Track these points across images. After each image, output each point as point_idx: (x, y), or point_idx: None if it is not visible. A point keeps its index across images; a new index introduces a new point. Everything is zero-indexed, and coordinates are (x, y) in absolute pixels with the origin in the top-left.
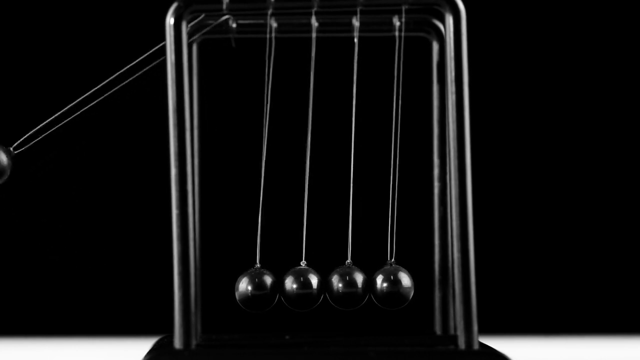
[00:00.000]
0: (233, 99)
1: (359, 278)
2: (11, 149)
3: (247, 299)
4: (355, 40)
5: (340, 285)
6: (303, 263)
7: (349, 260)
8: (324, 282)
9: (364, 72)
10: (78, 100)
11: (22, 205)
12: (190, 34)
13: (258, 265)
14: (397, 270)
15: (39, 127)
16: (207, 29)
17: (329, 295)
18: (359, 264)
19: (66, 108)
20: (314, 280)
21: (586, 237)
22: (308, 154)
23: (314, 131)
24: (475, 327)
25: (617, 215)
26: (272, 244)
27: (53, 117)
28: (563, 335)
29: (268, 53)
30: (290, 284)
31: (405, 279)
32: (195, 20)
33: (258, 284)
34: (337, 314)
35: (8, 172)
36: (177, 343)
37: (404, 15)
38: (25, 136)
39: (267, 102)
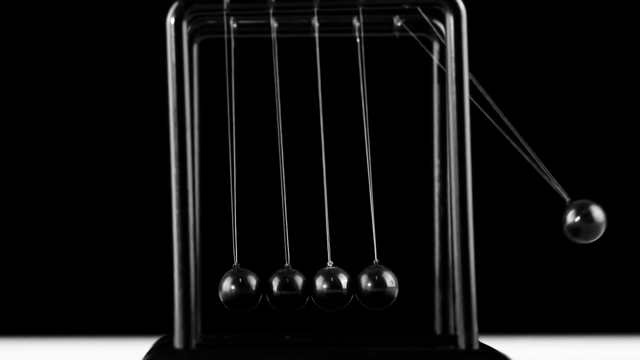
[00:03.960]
0: (233, 99)
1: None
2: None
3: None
4: (358, 40)
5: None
6: (330, 263)
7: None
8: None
9: (364, 72)
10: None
11: (22, 204)
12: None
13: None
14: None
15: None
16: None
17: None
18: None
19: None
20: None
21: None
22: (323, 155)
23: (314, 131)
24: (475, 327)
25: (617, 215)
26: (269, 243)
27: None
28: (563, 335)
29: (272, 53)
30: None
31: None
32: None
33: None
34: (337, 313)
35: None
36: (177, 343)
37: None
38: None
39: (278, 103)
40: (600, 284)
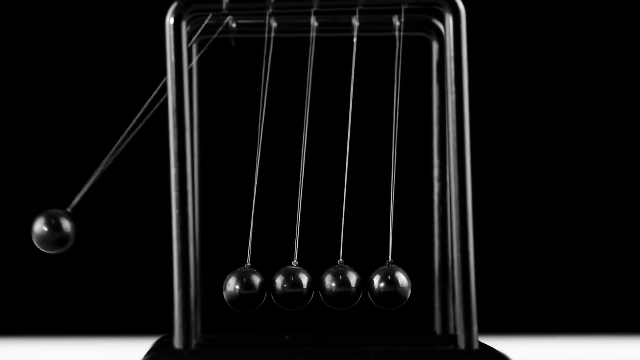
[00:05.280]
0: (233, 99)
1: (353, 278)
2: (69, 210)
3: (236, 298)
4: (355, 40)
5: (333, 284)
6: (295, 263)
7: (341, 260)
8: (317, 282)
9: (364, 72)
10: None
11: (21, 204)
12: (190, 35)
13: (248, 264)
14: (395, 271)
15: (88, 186)
16: (213, 36)
17: (322, 295)
18: (354, 264)
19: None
20: (305, 280)
21: (586, 237)
22: (304, 154)
23: (314, 131)
24: (475, 327)
25: (617, 215)
26: (269, 243)
27: (96, 174)
28: (563, 335)
29: (267, 53)
30: (280, 283)
31: (403, 279)
32: (204, 24)
33: (247, 284)
34: (337, 314)
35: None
36: (177, 343)
37: (403, 15)
38: (78, 198)
39: (264, 102)
40: (600, 284)
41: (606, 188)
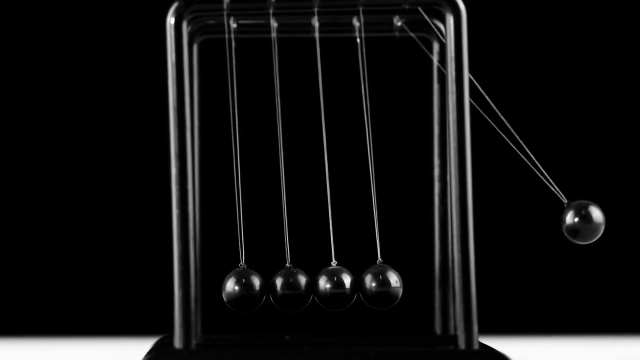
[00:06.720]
0: (233, 99)
1: (392, 277)
2: None
3: (282, 298)
4: (358, 40)
5: (373, 284)
6: (334, 263)
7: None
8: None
9: (365, 72)
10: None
11: (22, 204)
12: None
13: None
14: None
15: None
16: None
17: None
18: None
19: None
20: (347, 279)
21: None
22: (325, 154)
23: (314, 131)
24: (475, 327)
25: (617, 215)
26: (272, 244)
27: None
28: (563, 335)
29: (273, 53)
30: (323, 283)
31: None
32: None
33: (292, 284)
34: (337, 313)
35: None
36: (177, 343)
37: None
38: None
39: (278, 102)
40: (600, 284)
41: (606, 188)
